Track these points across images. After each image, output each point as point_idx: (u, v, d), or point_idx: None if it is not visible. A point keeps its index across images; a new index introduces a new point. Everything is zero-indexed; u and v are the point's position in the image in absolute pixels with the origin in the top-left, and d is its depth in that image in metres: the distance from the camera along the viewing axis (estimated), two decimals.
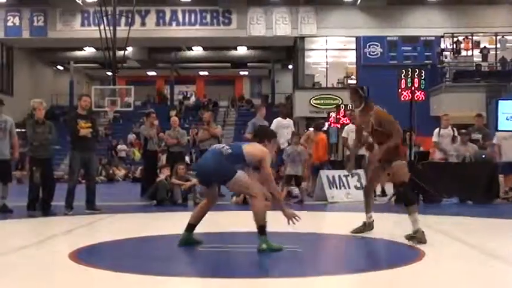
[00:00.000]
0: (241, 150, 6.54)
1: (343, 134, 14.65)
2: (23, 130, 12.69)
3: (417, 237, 6.73)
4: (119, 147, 32.40)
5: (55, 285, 5.09)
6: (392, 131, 7.21)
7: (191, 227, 6.77)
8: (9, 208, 11.02)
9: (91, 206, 10.94)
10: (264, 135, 6.82)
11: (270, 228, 6.38)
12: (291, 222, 6.52)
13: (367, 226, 7.74)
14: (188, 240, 6.74)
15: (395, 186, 7.36)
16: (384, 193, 14.55)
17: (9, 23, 32.87)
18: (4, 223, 10.16)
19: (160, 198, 12.63)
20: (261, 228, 6.32)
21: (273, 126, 13.89)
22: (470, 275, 5.44)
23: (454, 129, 14.68)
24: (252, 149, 6.61)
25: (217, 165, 6.49)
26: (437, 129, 14.68)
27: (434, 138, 14.56)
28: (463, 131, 14.41)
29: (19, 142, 12.10)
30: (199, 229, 6.79)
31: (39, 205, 10.63)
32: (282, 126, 13.91)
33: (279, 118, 14.21)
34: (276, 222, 6.58)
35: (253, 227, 6.38)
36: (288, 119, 14.51)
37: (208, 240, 6.80)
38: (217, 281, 5.15)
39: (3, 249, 6.76)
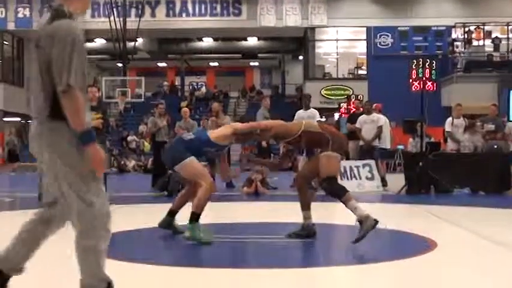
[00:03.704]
0: (206, 134, 6.77)
1: (357, 125, 14.59)
2: None
3: (365, 223, 5.96)
4: (129, 138, 32.47)
5: (68, 275, 5.09)
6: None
7: (172, 212, 7.01)
8: None
9: None
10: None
11: (284, 219, 6.36)
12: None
13: (305, 229, 6.61)
14: (169, 224, 7.01)
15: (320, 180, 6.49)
16: (383, 181, 14.29)
17: (20, 15, 32.95)
18: (16, 214, 10.20)
19: (171, 189, 12.65)
20: (194, 215, 6.36)
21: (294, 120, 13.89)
22: (482, 265, 5.41)
23: (466, 119, 14.60)
24: (217, 131, 6.90)
25: (168, 149, 6.93)
26: (449, 119, 14.59)
27: (447, 128, 14.47)
28: (472, 121, 14.30)
29: None
30: (209, 220, 6.79)
31: None
32: (301, 118, 13.77)
33: (300, 111, 14.13)
34: (286, 213, 6.57)
35: (264, 218, 6.38)
36: (311, 109, 14.28)
37: (219, 230, 6.80)
38: (227, 271, 5.16)
39: None
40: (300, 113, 14.07)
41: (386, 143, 14.78)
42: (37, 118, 3.53)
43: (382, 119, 14.54)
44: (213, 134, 6.74)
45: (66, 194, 3.50)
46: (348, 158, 16.05)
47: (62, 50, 3.38)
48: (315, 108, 14.39)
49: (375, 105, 15.24)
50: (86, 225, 3.51)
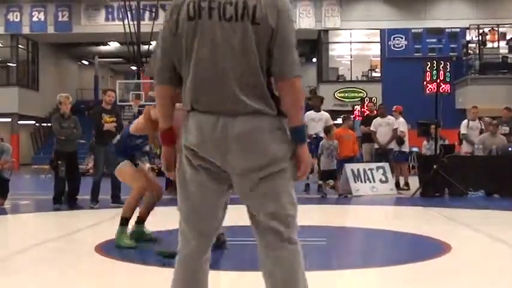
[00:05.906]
0: (127, 130, 6.83)
1: (372, 128, 14.56)
2: (49, 125, 12.81)
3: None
4: None
5: (82, 277, 5.13)
6: None
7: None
8: None
9: (116, 200, 11.01)
10: None
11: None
12: None
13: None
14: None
15: None
16: (407, 186, 14.46)
17: (35, 18, 33.12)
18: (31, 216, 10.27)
19: None
20: (123, 219, 6.58)
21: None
22: (496, 269, 5.38)
23: (481, 122, 14.53)
24: (135, 121, 6.78)
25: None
26: (465, 121, 14.55)
27: (463, 130, 14.42)
28: (494, 121, 14.11)
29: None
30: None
31: (65, 199, 10.73)
32: (312, 119, 13.64)
33: (311, 111, 13.98)
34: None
35: None
36: (322, 111, 14.15)
37: (228, 233, 6.79)
38: (239, 274, 5.16)
39: (30, 243, 6.83)
40: (310, 113, 13.83)
41: (406, 146, 14.95)
42: (242, 113, 2.73)
43: (397, 122, 14.52)
44: (131, 126, 6.70)
45: (281, 202, 2.96)
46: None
47: (291, 28, 2.90)
48: (329, 111, 14.32)
49: (395, 107, 15.17)
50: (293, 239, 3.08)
